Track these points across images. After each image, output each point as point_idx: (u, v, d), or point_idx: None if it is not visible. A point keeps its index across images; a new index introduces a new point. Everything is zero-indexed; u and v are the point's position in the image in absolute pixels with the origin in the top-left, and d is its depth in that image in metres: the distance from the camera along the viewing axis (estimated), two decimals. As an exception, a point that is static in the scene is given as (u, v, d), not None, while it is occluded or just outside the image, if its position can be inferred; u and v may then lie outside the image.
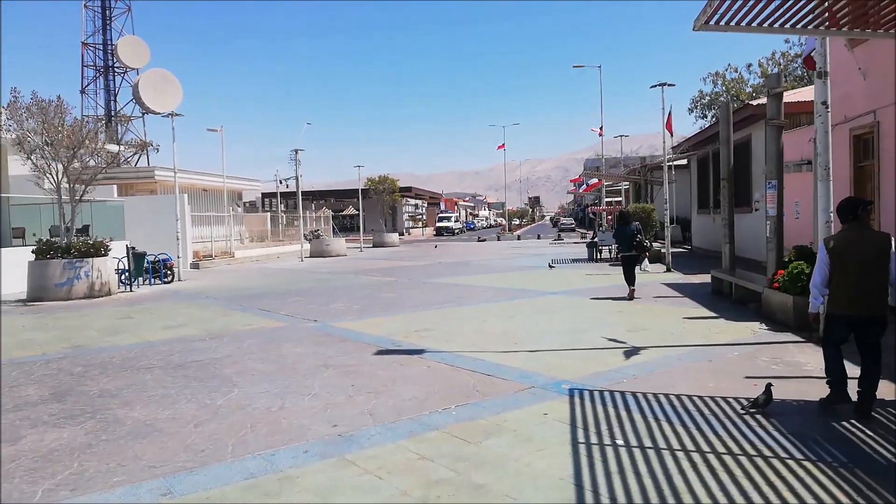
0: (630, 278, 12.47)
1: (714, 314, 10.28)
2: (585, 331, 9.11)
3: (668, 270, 17.86)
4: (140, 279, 18.75)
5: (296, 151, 31.76)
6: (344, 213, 69.71)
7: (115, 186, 27.87)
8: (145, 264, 18.58)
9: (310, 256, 33.72)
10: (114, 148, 18.38)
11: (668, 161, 24.85)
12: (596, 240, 24.06)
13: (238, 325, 10.57)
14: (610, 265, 20.41)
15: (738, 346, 7.86)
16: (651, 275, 17.01)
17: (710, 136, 22.59)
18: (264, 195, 68.46)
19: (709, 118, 33.18)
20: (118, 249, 17.98)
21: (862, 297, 5.02)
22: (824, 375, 5.42)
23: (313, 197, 66.30)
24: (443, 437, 4.88)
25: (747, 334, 8.58)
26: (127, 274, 17.64)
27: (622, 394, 5.86)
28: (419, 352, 7.96)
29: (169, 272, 19.49)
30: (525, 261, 24.04)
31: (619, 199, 42.69)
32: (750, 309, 10.55)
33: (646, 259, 13.24)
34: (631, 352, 7.67)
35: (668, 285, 14.51)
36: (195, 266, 26.65)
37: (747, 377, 6.35)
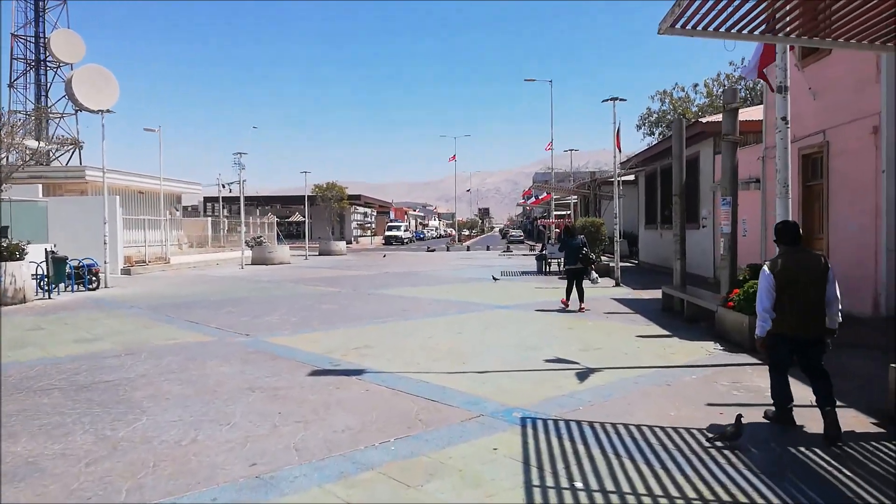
0: (579, 291, 12.60)
1: (667, 332, 9.96)
2: (537, 348, 8.61)
3: (618, 285, 17.68)
4: (62, 285, 17.40)
5: (239, 154, 30.56)
6: (290, 219, 68.16)
7: (39, 186, 26.10)
8: (67, 270, 17.24)
9: (251, 264, 32.46)
10: (33, 144, 17.00)
11: (618, 176, 24.97)
12: (545, 252, 23.82)
13: (160, 339, 9.65)
14: (559, 278, 20.13)
15: (694, 368, 7.49)
16: (600, 289, 16.77)
17: (659, 153, 22.73)
18: (206, 199, 66.25)
19: (656, 135, 33.71)
20: (37, 253, 16.59)
21: (809, 319, 5.13)
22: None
23: (258, 202, 64.49)
24: (378, 478, 4.24)
25: (702, 355, 8.25)
26: (46, 280, 16.30)
27: (578, 423, 5.35)
28: (358, 372, 7.29)
29: (94, 278, 18.15)
30: (474, 272, 23.59)
31: (568, 212, 42.94)
32: (702, 327, 10.29)
33: (593, 271, 13.06)
34: (585, 373, 7.20)
35: (619, 300, 14.24)
36: (126, 272, 25.17)
37: (709, 404, 5.94)
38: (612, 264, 19.57)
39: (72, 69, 38.82)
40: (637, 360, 7.89)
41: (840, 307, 5.22)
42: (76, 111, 39.20)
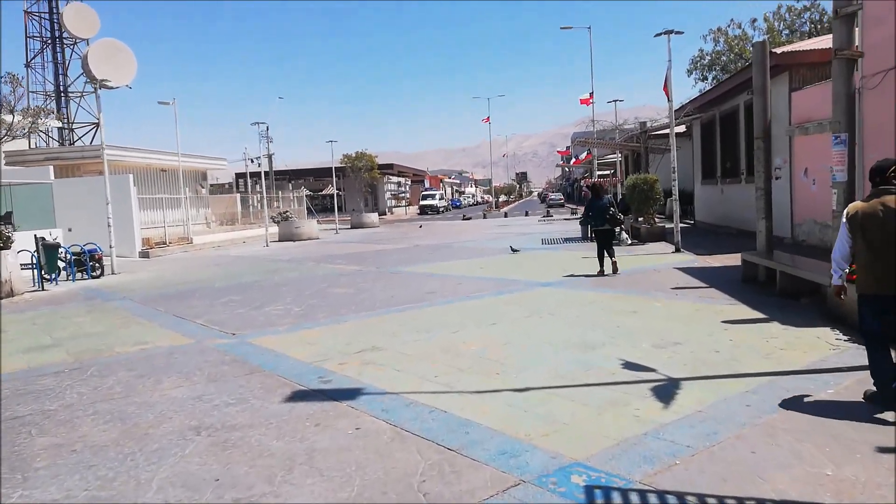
0: (609, 254, 11.91)
1: (761, 315, 7.72)
2: (595, 346, 6.53)
3: (678, 250, 15.32)
4: (64, 274, 15.99)
5: (257, 124, 28.75)
6: (323, 192, 66.71)
7: (50, 168, 24.87)
8: (63, 256, 15.77)
9: (278, 240, 30.97)
10: (7, 118, 15.44)
11: (675, 123, 22.27)
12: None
13: (127, 344, 7.89)
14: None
15: (823, 374, 5.31)
16: (658, 256, 14.47)
17: (719, 97, 19.96)
18: (238, 175, 65.27)
19: (710, 81, 30.44)
20: (28, 241, 15.14)
21: (891, 272, 4.37)
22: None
23: (290, 176, 63.12)
24: None
25: (824, 350, 6.03)
26: (41, 270, 14.86)
27: (681, 500, 3.28)
28: (352, 394, 5.34)
29: (97, 265, 16.67)
30: (512, 241, 21.39)
31: (609, 171, 40.09)
32: (804, 306, 8.02)
33: (623, 232, 12.40)
34: (669, 388, 5.10)
35: (684, 271, 11.96)
36: (145, 255, 23.84)
37: (881, 449, 3.79)
38: (668, 226, 17.18)
39: (88, 45, 37.48)
40: (737, 363, 5.73)
41: None
42: (95, 88, 37.92)
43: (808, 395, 4.79)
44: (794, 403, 4.63)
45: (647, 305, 8.70)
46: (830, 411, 4.45)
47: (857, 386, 4.90)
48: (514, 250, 17.14)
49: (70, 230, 21.82)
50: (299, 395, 5.39)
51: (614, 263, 11.80)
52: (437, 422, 4.58)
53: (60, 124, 35.58)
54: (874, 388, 4.57)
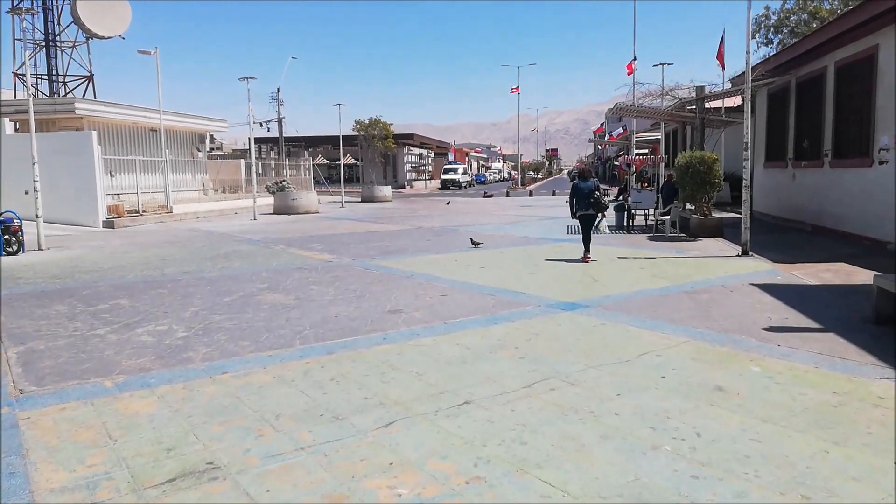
0: (586, 240, 11.41)
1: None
2: (661, 479, 2.99)
3: (746, 253, 11.58)
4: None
5: (246, 79, 25.27)
6: (342, 162, 63.32)
7: (4, 121, 21.78)
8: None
9: (274, 213, 27.71)
10: None
11: (729, 94, 18.25)
12: (630, 201, 17.65)
13: None
14: (649, 238, 14.14)
15: None
16: (721, 262, 10.77)
17: (797, 58, 15.87)
18: (258, 141, 62.06)
19: (775, 45, 25.95)
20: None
21: None
22: None
23: (307, 143, 59.74)
24: None
25: None
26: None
27: None
28: None
29: (12, 239, 13.47)
30: (531, 228, 17.77)
31: (646, 151, 35.82)
32: None
33: (604, 219, 12.10)
34: None
35: (769, 290, 8.25)
36: (109, 225, 20.74)
37: None
38: (738, 214, 13.38)
39: (80, -10, 34.19)
40: None
41: None
42: (87, 39, 34.83)
43: None
44: None
45: (738, 373, 5.05)
46: None
47: None
48: (474, 243, 13.45)
49: (27, 193, 18.79)
50: None
51: (586, 256, 11.21)
52: None
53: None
54: None
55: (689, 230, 15.08)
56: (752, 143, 15.19)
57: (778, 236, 14.51)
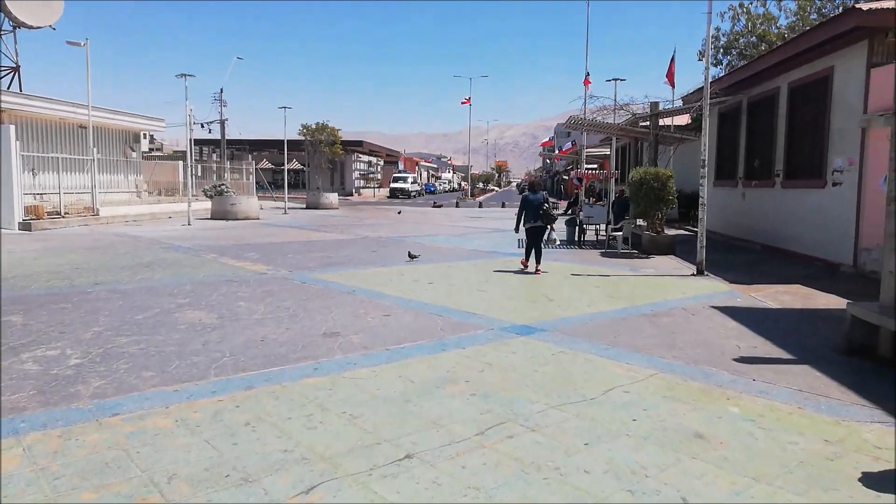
0: (537, 252, 11.32)
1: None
2: None
3: (701, 272, 11.23)
4: None
5: (184, 76, 23.94)
6: (287, 167, 61.68)
7: None
8: None
9: (211, 218, 26.35)
10: None
11: (683, 111, 18.15)
12: (581, 216, 17.27)
13: None
14: (601, 253, 13.72)
15: None
16: (679, 281, 10.36)
17: (749, 78, 15.85)
18: (200, 143, 59.73)
19: (723, 66, 26.33)
20: None
21: None
22: None
23: (251, 147, 57.87)
24: None
25: None
26: None
27: None
28: None
29: None
30: (482, 240, 17.19)
31: (595, 166, 35.96)
32: None
33: (553, 232, 11.72)
34: None
35: (730, 314, 7.81)
36: (26, 227, 19.09)
37: None
38: (690, 231, 13.07)
39: (6, -24, 31.98)
40: None
41: None
42: (14, 28, 32.58)
43: None
44: None
45: (716, 415, 4.46)
46: None
47: None
48: (411, 257, 12.82)
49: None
50: None
51: (538, 269, 11.16)
52: None
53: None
54: None
55: (641, 247, 14.76)
56: (709, 160, 15.06)
57: (729, 255, 14.30)
